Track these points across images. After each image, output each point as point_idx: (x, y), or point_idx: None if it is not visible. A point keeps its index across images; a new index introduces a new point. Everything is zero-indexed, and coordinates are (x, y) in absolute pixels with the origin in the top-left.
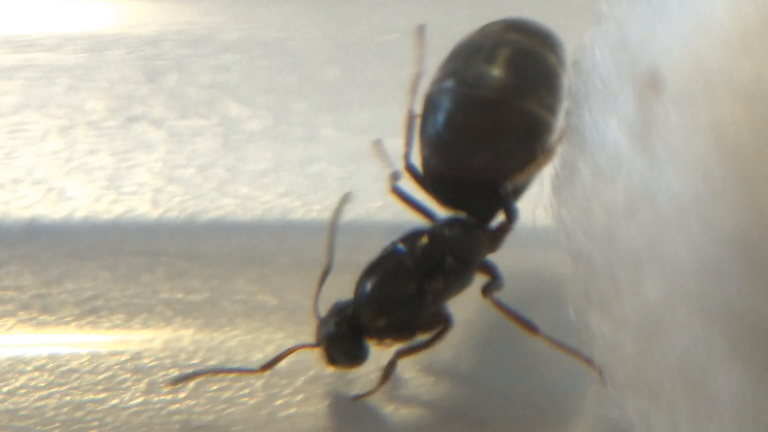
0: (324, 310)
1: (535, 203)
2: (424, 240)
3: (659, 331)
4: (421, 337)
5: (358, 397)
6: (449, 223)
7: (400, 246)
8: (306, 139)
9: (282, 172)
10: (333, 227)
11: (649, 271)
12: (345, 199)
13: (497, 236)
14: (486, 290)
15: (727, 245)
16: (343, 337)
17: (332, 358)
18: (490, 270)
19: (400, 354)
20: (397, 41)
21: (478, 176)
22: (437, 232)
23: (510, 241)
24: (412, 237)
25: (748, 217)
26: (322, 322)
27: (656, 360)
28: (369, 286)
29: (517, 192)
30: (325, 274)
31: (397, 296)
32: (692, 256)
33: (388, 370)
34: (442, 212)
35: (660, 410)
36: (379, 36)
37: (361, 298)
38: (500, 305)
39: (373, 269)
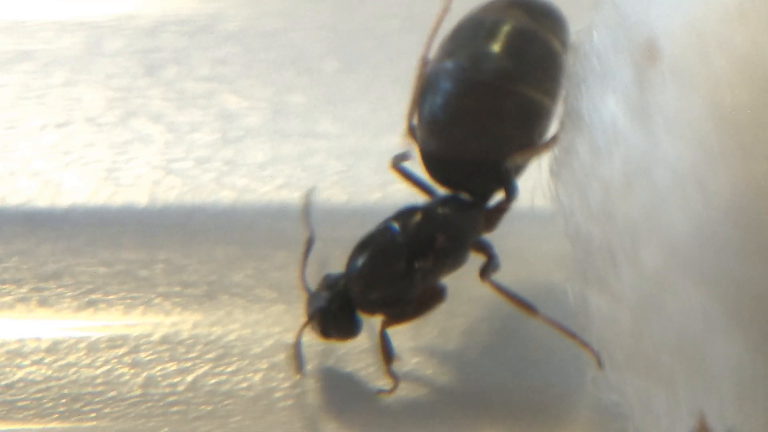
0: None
1: (534, 186)
2: (417, 217)
3: (657, 304)
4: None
5: (381, 393)
6: (444, 201)
7: (393, 223)
8: (304, 132)
9: (280, 164)
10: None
11: (646, 244)
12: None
13: (494, 215)
14: (483, 273)
15: (725, 213)
16: (336, 311)
17: (325, 331)
18: (485, 249)
19: (385, 324)
20: (397, 30)
21: (473, 158)
22: (431, 210)
23: (508, 225)
24: (405, 214)
25: (745, 184)
26: (313, 296)
27: (654, 334)
28: (359, 261)
29: (518, 169)
30: (309, 245)
31: (385, 274)
32: (690, 226)
33: (385, 345)
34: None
35: (658, 388)
36: (378, 24)
37: (351, 273)
38: (499, 287)
39: (363, 245)
